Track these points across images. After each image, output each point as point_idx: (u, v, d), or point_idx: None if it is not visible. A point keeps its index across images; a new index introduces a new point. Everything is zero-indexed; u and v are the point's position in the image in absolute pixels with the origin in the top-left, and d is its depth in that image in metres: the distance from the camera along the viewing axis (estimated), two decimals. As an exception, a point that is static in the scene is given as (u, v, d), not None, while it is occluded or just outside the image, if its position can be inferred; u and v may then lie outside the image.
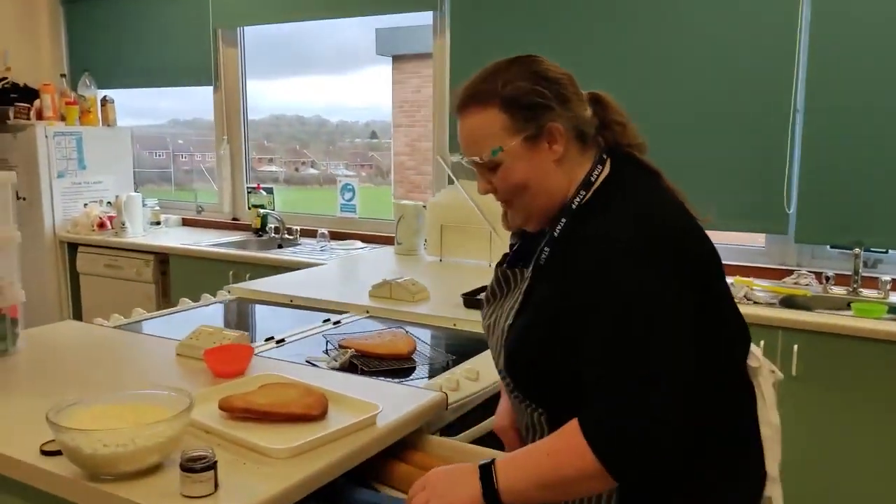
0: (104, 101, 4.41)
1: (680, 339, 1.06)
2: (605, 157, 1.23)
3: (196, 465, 1.10)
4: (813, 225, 2.77)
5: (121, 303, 3.96)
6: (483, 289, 2.42)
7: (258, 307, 2.47)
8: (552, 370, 1.17)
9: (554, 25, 3.24)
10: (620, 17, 3.10)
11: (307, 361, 1.81)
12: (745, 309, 1.91)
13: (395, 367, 1.76)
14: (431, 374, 1.72)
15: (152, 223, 4.34)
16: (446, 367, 1.77)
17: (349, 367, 1.76)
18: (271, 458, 1.23)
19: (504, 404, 1.45)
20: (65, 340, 1.95)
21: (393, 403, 1.47)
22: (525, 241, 1.35)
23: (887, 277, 2.56)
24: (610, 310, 1.07)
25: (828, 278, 2.64)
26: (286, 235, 4.03)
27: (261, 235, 4.14)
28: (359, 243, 3.75)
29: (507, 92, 1.17)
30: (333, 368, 1.75)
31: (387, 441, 1.38)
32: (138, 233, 4.12)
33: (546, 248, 1.21)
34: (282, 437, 1.29)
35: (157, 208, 4.42)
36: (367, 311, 2.34)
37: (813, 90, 2.75)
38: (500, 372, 1.31)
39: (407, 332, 1.98)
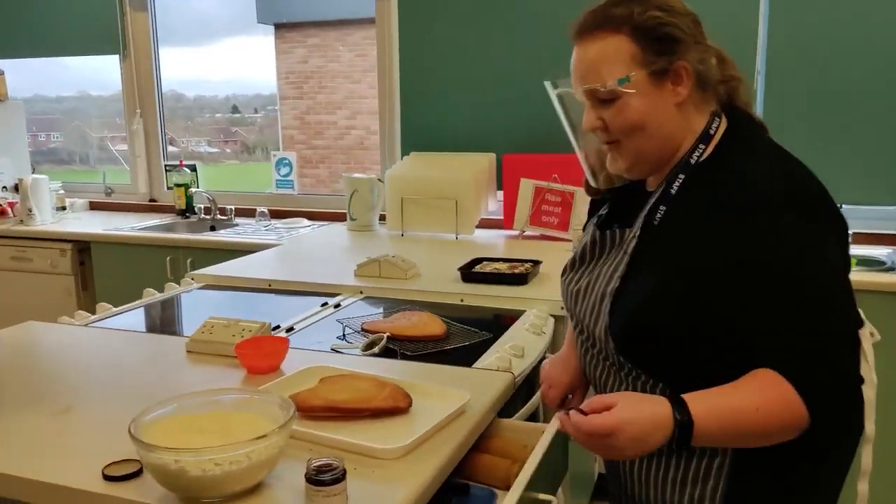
0: (-9, 73, 3.92)
1: (849, 296, 1.04)
2: (720, 111, 1.17)
3: (325, 477, 0.96)
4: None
5: (35, 300, 3.57)
6: (477, 262, 2.36)
7: (236, 294, 2.27)
8: (678, 337, 1.08)
9: (506, -11, 3.17)
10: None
11: (333, 349, 1.67)
12: None
13: (437, 349, 1.66)
14: (477, 355, 1.63)
15: (57, 208, 3.93)
16: (485, 346, 1.68)
17: (387, 353, 1.64)
18: (382, 460, 1.11)
19: (566, 360, 1.37)
20: (44, 346, 1.70)
21: (466, 389, 1.37)
22: (618, 200, 1.28)
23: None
24: (782, 267, 1.01)
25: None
26: (219, 216, 3.75)
27: (188, 217, 3.84)
28: (305, 221, 3.55)
29: (642, 20, 1.09)
30: (372, 355, 1.62)
31: (479, 430, 1.29)
32: (47, 220, 3.71)
33: (661, 207, 1.13)
34: (380, 435, 1.17)
35: (62, 192, 4.00)
36: (361, 292, 2.20)
37: (774, 51, 2.84)
38: (588, 338, 1.24)
39: (420, 311, 1.88)
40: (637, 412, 0.99)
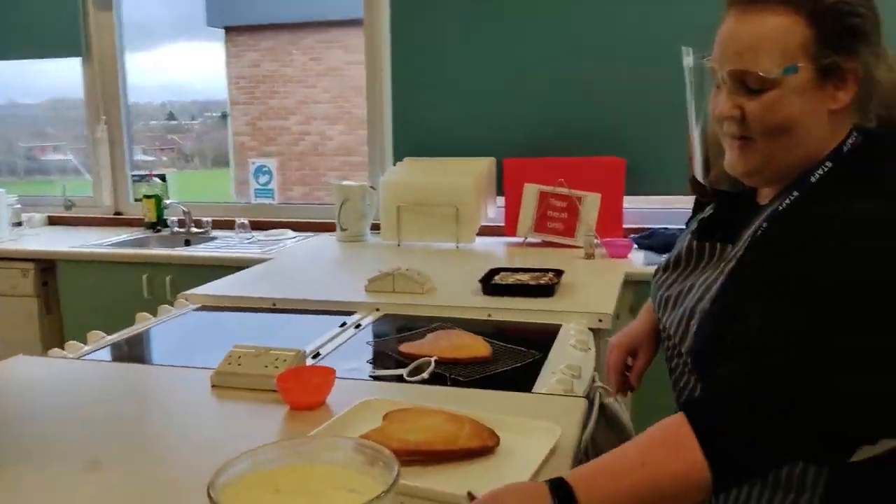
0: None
1: None
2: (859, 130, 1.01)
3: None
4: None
5: (-5, 323, 3.29)
6: (494, 272, 2.22)
7: (240, 316, 2.09)
8: None
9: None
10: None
11: (372, 377, 1.52)
12: None
13: (488, 372, 1.52)
14: (530, 377, 1.49)
15: (13, 224, 3.65)
16: (535, 366, 1.55)
17: (435, 379, 1.49)
18: (485, 513, 0.96)
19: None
20: (44, 384, 1.50)
21: (543, 418, 1.23)
22: (721, 210, 1.16)
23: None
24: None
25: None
26: (194, 229, 3.53)
27: (159, 230, 3.61)
28: (290, 232, 3.36)
29: (828, 4, 0.93)
30: (421, 381, 1.47)
31: (574, 464, 1.15)
32: (5, 237, 3.43)
33: (764, 224, 1.01)
34: (478, 481, 1.03)
35: (18, 206, 3.72)
36: (378, 309, 2.05)
37: None
38: (671, 344, 1.14)
39: (453, 329, 1.74)
40: (514, 486, 0.89)
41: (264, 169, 3.60)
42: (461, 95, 3.14)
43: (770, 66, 0.94)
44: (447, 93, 3.15)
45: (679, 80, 2.94)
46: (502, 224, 3.03)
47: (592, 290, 2.15)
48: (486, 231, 3.02)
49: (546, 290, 2.07)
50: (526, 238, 2.89)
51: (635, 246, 2.72)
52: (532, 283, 2.12)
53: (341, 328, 1.88)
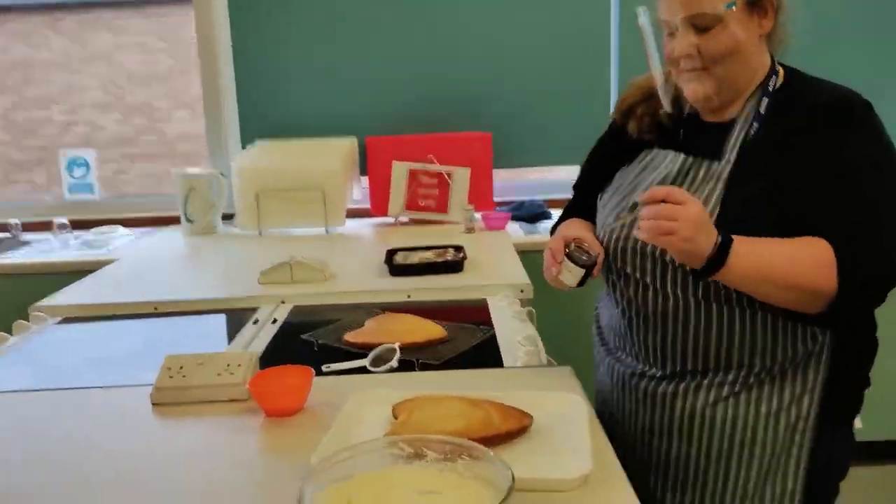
0: None
1: None
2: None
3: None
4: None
5: None
6: (393, 252, 2.13)
7: (121, 324, 1.81)
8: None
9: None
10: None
11: (329, 373, 1.38)
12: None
13: (453, 353, 1.44)
14: (495, 354, 1.45)
15: None
16: (492, 342, 1.51)
17: (402, 366, 1.39)
18: (563, 493, 0.91)
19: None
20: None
21: (549, 389, 1.20)
22: (689, 131, 1.30)
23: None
24: (879, 174, 1.14)
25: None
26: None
27: (-52, 240, 3.03)
28: (121, 229, 2.97)
29: None
30: (391, 371, 1.36)
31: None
32: None
33: (755, 125, 1.21)
34: (532, 458, 0.97)
35: None
36: (283, 301, 1.88)
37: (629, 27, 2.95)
38: (655, 273, 1.25)
39: (382, 312, 1.64)
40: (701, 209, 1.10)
41: (79, 161, 3.15)
42: (315, 73, 2.97)
43: (713, 7, 1.16)
44: (299, 70, 2.96)
45: (541, 55, 3.02)
46: (367, 205, 2.93)
47: (495, 263, 2.14)
48: (351, 213, 2.89)
49: (455, 266, 2.03)
50: (398, 217, 2.82)
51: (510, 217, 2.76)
52: (440, 260, 2.06)
53: (255, 325, 1.70)
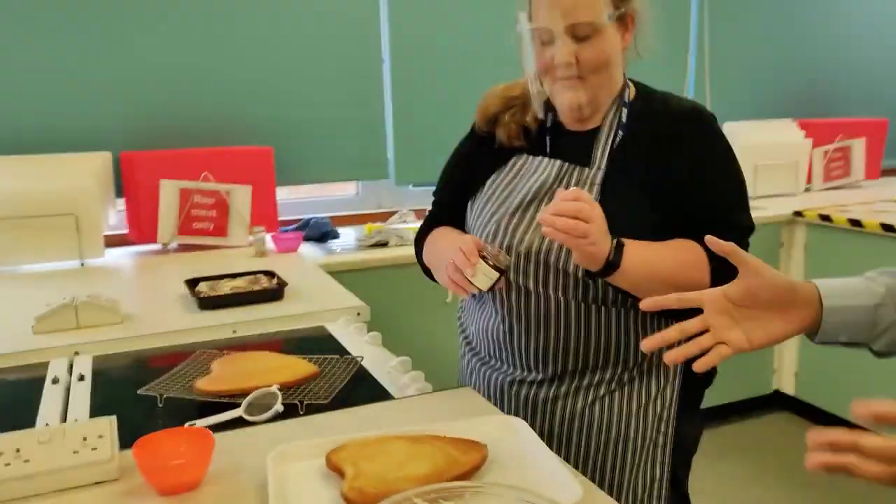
0: None
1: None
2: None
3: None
4: (409, 167, 3.03)
5: None
6: (198, 280, 1.89)
7: None
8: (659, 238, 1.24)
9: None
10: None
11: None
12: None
13: (333, 390, 1.29)
14: (372, 382, 1.34)
15: None
16: (363, 371, 1.39)
17: (288, 413, 1.21)
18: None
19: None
20: None
21: (473, 414, 1.14)
22: (554, 139, 1.34)
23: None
24: (731, 168, 1.29)
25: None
26: None
27: None
28: None
29: None
30: (276, 417, 1.18)
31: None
32: None
33: (620, 133, 1.28)
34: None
35: None
36: (77, 352, 1.55)
37: (396, 44, 2.95)
38: (540, 278, 1.27)
39: (222, 351, 1.44)
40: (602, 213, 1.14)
41: None
42: (53, 79, 2.50)
43: (594, 16, 1.21)
44: (26, 74, 2.47)
45: (317, 67, 2.91)
46: (124, 231, 2.55)
47: (313, 287, 1.99)
48: (107, 241, 2.49)
49: (275, 294, 1.84)
50: (169, 244, 2.49)
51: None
52: (256, 288, 1.86)
53: (56, 384, 1.37)
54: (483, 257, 1.21)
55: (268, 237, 2.50)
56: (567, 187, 1.28)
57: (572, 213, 1.09)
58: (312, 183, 2.95)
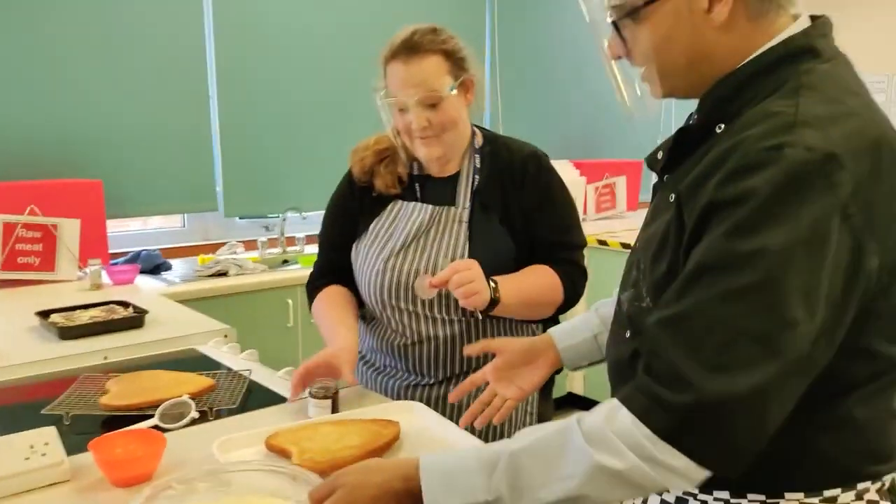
0: None
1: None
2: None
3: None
4: (237, 200, 3.13)
5: None
6: (52, 312, 1.91)
7: None
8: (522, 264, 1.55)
9: None
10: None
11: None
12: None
13: (237, 397, 1.42)
14: (268, 392, 1.49)
15: None
16: (256, 383, 1.54)
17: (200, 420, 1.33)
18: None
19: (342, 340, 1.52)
20: None
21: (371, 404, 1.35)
22: (423, 185, 1.60)
23: (302, 235, 3.20)
24: (564, 197, 1.60)
25: (263, 243, 3.06)
26: None
27: None
28: None
29: (448, 47, 1.48)
30: (189, 424, 1.30)
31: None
32: None
33: (476, 177, 1.56)
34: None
35: None
36: (-60, 386, 1.52)
37: (223, 78, 3.06)
38: (423, 306, 1.53)
39: (107, 374, 1.51)
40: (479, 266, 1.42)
41: None
42: None
43: (440, 87, 1.46)
44: None
45: (148, 104, 2.93)
46: (-65, 268, 2.40)
47: (168, 314, 2.06)
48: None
49: (136, 322, 1.90)
50: (-11, 280, 2.39)
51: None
52: (116, 317, 1.90)
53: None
54: (312, 394, 1.32)
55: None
56: (443, 225, 1.55)
57: (468, 279, 1.36)
58: (142, 216, 2.95)
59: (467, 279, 1.37)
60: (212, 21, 3.03)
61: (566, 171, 4.00)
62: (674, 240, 0.85)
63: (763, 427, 0.76)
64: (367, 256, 1.58)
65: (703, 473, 0.77)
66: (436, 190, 1.59)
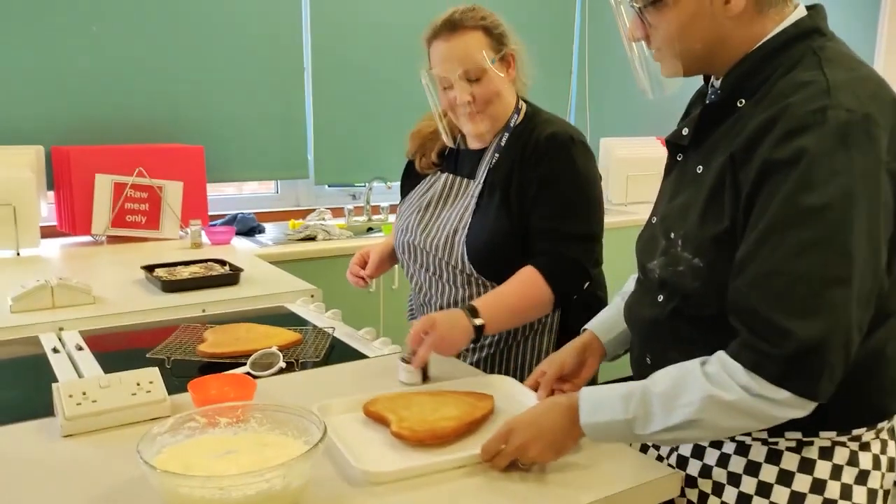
0: None
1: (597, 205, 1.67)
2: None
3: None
4: (327, 169, 3.25)
5: None
6: (156, 266, 2.05)
7: None
8: (514, 249, 1.55)
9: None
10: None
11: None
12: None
13: (317, 355, 1.53)
14: (349, 349, 1.58)
15: None
16: (338, 341, 1.63)
17: (287, 370, 1.43)
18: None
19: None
20: None
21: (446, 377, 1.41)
22: (460, 157, 1.68)
23: (386, 204, 3.30)
24: (574, 184, 1.54)
25: (349, 210, 3.18)
26: None
27: None
28: None
29: (487, 23, 1.54)
30: (278, 372, 1.40)
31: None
32: None
33: (496, 155, 1.59)
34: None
35: None
36: (62, 328, 1.68)
37: (317, 56, 3.17)
38: (437, 262, 1.63)
39: (205, 325, 1.63)
40: (444, 314, 1.41)
41: None
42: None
43: (480, 61, 1.51)
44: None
45: (246, 76, 3.08)
46: (53, 223, 2.62)
47: (261, 274, 2.19)
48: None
49: (231, 280, 2.04)
50: (103, 235, 2.59)
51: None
52: (214, 273, 2.04)
53: (58, 354, 1.51)
54: (402, 359, 1.37)
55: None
56: (456, 196, 1.64)
57: (418, 342, 1.35)
58: (239, 181, 3.11)
59: (432, 343, 1.34)
60: (308, 3, 3.15)
61: (653, 148, 3.93)
62: (730, 201, 0.95)
63: (850, 356, 0.88)
64: (398, 217, 1.76)
65: (811, 405, 0.89)
66: (466, 161, 1.67)
